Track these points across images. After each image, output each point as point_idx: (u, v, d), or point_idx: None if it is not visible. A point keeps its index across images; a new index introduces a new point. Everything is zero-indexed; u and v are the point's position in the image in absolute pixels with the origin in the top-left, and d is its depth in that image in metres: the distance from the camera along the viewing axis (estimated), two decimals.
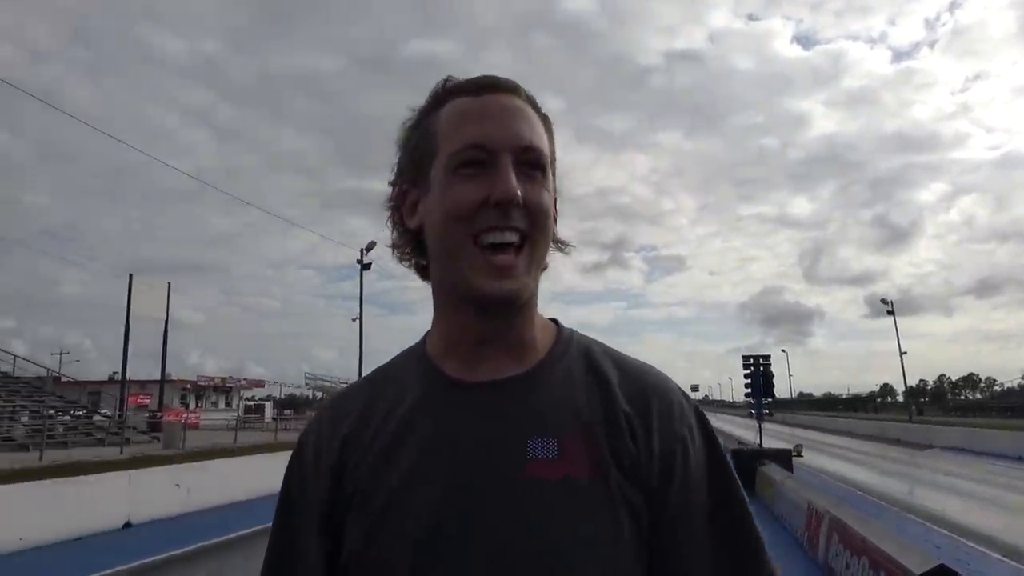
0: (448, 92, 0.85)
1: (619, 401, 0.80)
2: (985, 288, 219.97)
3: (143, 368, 60.13)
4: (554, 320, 0.90)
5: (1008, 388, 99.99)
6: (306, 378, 63.78)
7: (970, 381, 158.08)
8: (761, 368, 19.03)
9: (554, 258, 0.88)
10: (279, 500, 0.87)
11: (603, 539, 0.72)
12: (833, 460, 24.01)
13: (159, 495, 12.24)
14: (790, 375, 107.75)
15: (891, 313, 52.13)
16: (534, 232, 0.79)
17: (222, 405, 56.78)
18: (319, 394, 69.70)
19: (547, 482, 0.73)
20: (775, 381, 19.70)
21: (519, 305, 0.81)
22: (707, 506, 0.77)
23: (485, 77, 0.84)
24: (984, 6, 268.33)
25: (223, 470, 14.56)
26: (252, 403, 61.18)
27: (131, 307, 31.73)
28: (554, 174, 0.85)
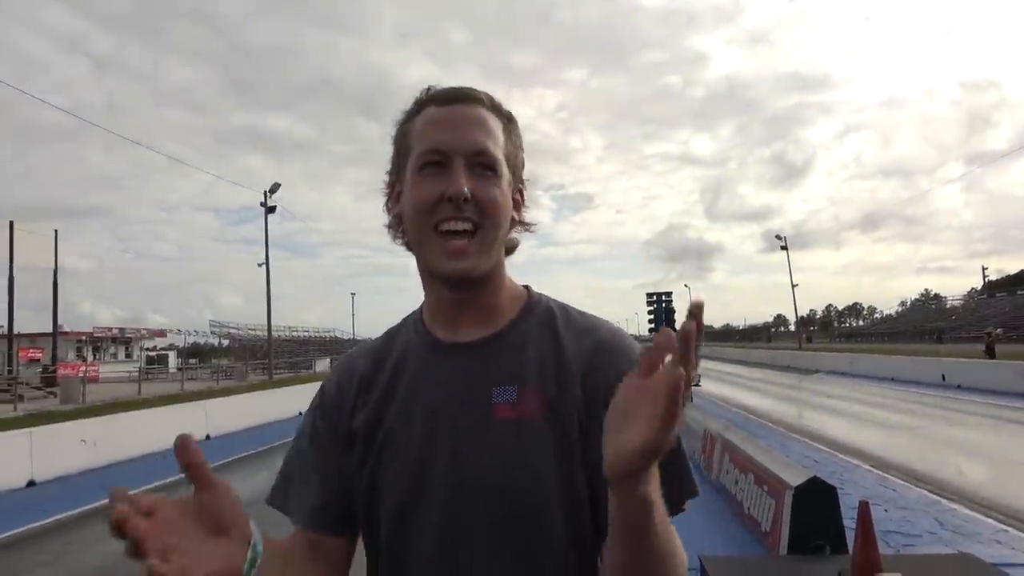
0: (426, 100, 1.01)
1: (570, 352, 0.99)
2: (869, 223, 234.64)
3: (32, 322, 56.49)
4: (527, 287, 1.09)
5: (887, 315, 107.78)
6: (211, 325, 61.90)
7: (854, 310, 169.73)
8: (664, 304, 19.94)
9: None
10: (303, 427, 1.08)
11: (550, 461, 0.92)
12: (729, 388, 25.66)
13: (64, 452, 11.81)
14: None
15: (784, 248, 55.16)
16: (484, 221, 0.95)
17: (122, 357, 54.31)
18: (225, 341, 67.81)
19: (507, 421, 0.94)
20: (677, 316, 20.66)
21: (478, 279, 0.97)
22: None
23: (456, 89, 1.01)
24: None
25: (131, 423, 14.15)
26: (154, 353, 58.89)
27: (13, 256, 29.77)
28: (522, 165, 1.05)
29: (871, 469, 9.50)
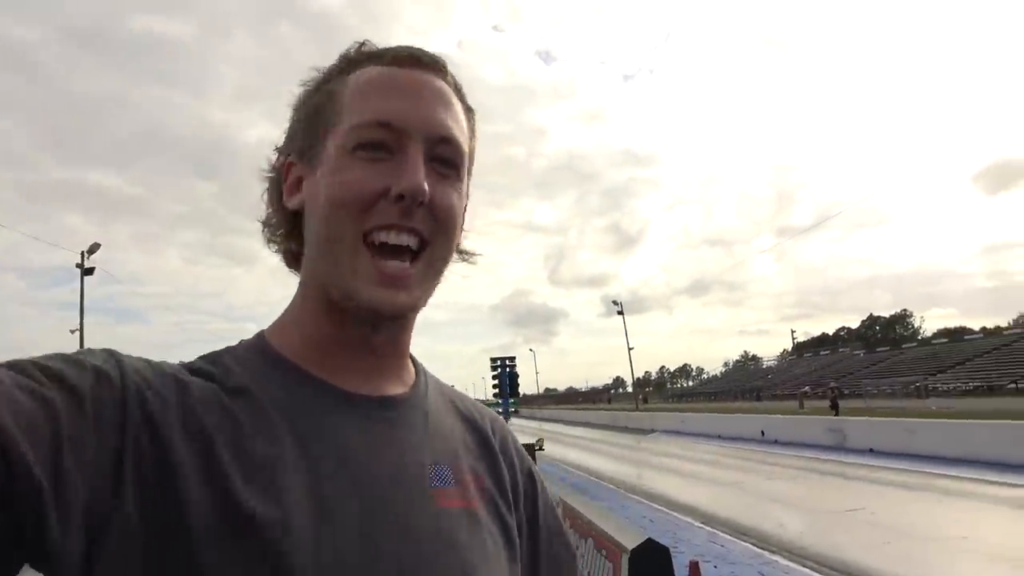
0: (362, 57, 0.71)
1: (487, 431, 0.79)
2: (697, 288, 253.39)
3: None
4: None
5: (713, 375, 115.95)
6: None
7: (684, 371, 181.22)
8: (508, 368, 20.20)
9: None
10: (72, 372, 0.54)
11: (498, 557, 0.69)
12: (571, 450, 26.14)
13: None
14: (536, 372, 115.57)
15: (620, 313, 58.27)
16: (437, 237, 0.67)
17: None
18: None
19: (453, 512, 0.66)
20: (522, 378, 21.06)
21: (407, 316, 0.70)
22: (559, 524, 0.83)
23: (407, 47, 0.70)
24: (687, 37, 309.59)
25: None
26: None
27: None
28: (469, 175, 0.74)
29: (702, 526, 9.92)
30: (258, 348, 0.68)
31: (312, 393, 0.65)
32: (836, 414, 26.25)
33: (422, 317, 0.74)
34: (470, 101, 0.74)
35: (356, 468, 0.63)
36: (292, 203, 0.70)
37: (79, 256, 32.01)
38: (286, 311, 0.72)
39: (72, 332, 32.81)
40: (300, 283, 0.71)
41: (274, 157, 0.74)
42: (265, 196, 0.74)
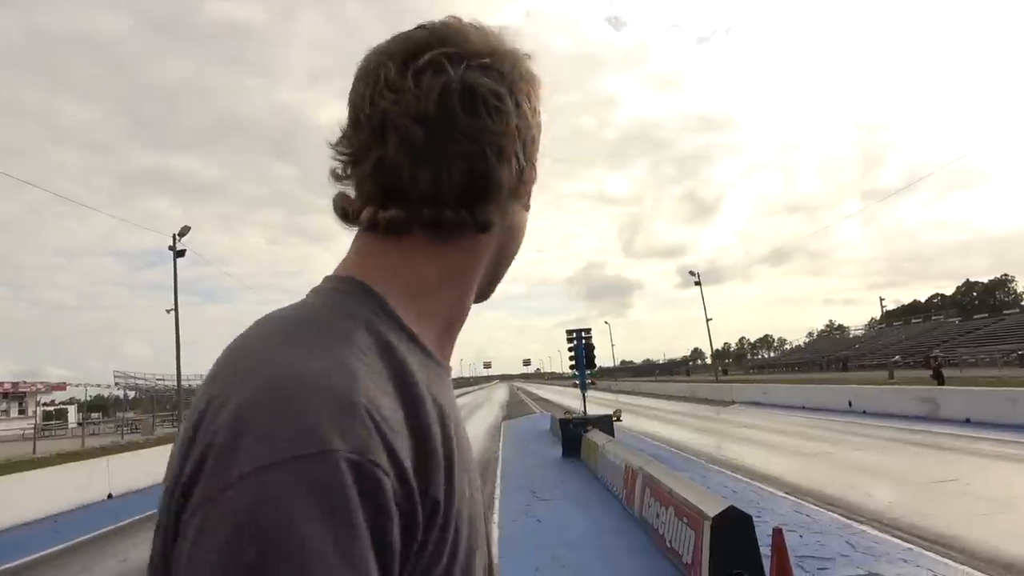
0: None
1: None
2: (777, 257, 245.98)
3: None
4: None
5: (796, 346, 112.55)
6: (115, 376, 58.60)
7: (765, 342, 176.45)
8: (583, 340, 20.16)
9: None
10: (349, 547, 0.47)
11: None
12: (650, 421, 26.03)
13: None
14: (612, 345, 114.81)
15: (698, 284, 57.10)
16: None
17: (15, 413, 50.72)
18: (131, 393, 64.27)
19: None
20: (598, 352, 20.91)
21: None
22: None
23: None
24: None
25: (22, 485, 13.13)
26: (52, 408, 55.17)
27: None
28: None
29: (786, 496, 9.77)
30: (374, 311, 0.63)
31: (437, 371, 0.66)
32: (940, 384, 24.85)
33: (498, 290, 0.80)
34: (541, 71, 0.73)
35: (466, 444, 0.65)
36: (519, 205, 0.72)
37: (170, 239, 33.71)
38: (414, 290, 0.67)
39: (168, 312, 34.71)
40: (461, 265, 0.70)
41: (515, 131, 0.67)
42: (514, 164, 0.68)
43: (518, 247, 0.76)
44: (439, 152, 0.63)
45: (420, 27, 0.68)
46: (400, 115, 0.63)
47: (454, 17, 0.69)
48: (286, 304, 0.65)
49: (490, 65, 0.66)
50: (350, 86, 0.69)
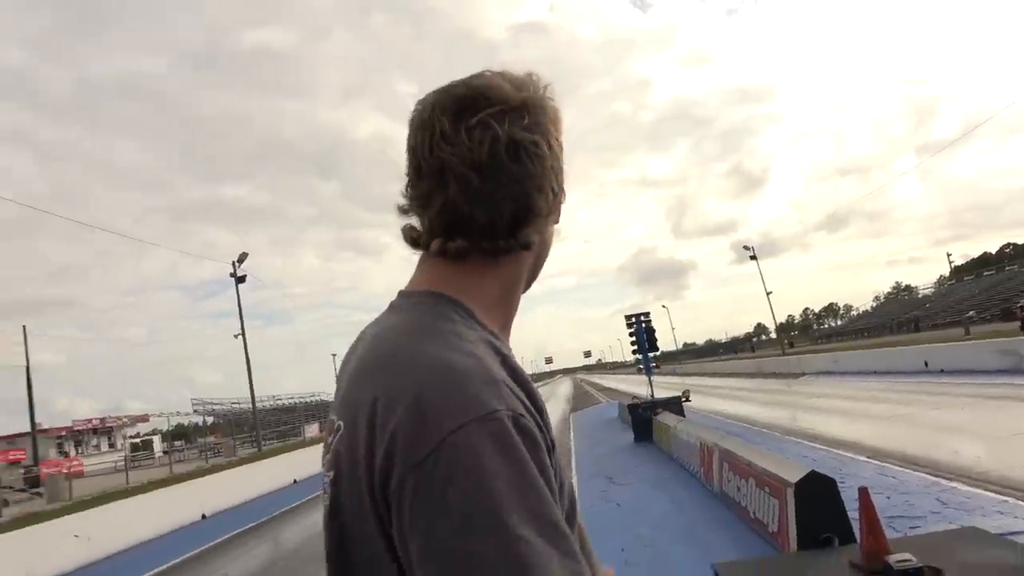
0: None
1: None
2: (833, 222, 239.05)
3: (7, 424, 55.06)
4: None
5: (863, 311, 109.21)
6: (193, 404, 60.68)
7: (831, 310, 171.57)
8: (643, 325, 20.07)
9: None
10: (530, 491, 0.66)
11: None
12: (719, 400, 25.75)
13: (57, 549, 11.54)
14: (672, 328, 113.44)
15: (754, 258, 55.86)
16: None
17: (105, 447, 53.06)
18: (209, 419, 66.54)
19: None
20: (658, 336, 20.77)
21: None
22: None
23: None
24: None
25: (123, 512, 13.86)
26: (139, 440, 57.61)
27: None
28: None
29: (868, 460, 9.60)
30: (465, 318, 0.82)
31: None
32: None
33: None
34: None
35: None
36: (548, 224, 0.89)
37: (228, 267, 34.80)
38: (482, 301, 0.85)
39: (236, 337, 35.86)
40: (513, 271, 0.88)
41: (546, 156, 0.84)
42: (547, 195, 0.85)
43: (550, 249, 0.94)
44: (491, 194, 0.79)
45: (459, 84, 0.84)
46: (458, 164, 0.78)
47: (489, 72, 0.85)
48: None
49: (526, 117, 0.82)
50: (407, 133, 0.85)
